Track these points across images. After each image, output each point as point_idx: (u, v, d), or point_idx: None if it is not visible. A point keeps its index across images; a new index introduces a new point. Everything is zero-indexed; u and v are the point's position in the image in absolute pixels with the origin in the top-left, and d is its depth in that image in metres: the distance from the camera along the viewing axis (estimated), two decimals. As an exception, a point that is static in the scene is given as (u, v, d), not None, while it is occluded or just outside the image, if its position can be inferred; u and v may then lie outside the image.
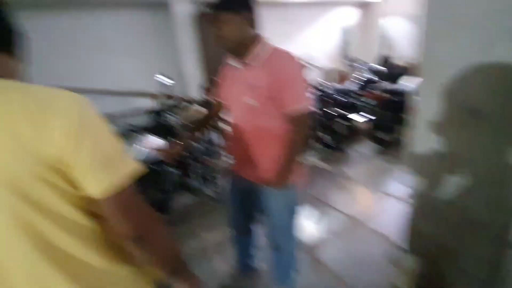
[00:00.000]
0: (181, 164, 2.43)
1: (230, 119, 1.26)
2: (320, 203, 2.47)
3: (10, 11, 0.58)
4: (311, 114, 1.13)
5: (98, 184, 0.53)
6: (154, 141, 2.10)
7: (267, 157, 1.19)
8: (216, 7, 1.06)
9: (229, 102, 1.25)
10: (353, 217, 2.25)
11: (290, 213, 1.28)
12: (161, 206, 2.11)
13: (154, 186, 2.13)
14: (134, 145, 1.99)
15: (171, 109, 2.27)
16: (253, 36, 1.11)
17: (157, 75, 2.29)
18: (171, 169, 2.22)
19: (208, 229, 2.26)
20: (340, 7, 5.72)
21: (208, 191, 2.53)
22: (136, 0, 3.38)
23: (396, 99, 3.33)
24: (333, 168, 3.18)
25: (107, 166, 0.54)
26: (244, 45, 1.10)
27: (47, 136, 0.49)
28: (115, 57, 3.59)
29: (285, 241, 1.35)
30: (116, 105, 3.45)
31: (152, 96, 3.65)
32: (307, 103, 1.11)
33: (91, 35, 3.39)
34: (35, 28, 3.25)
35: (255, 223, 1.52)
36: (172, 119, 2.30)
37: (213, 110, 1.39)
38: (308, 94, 1.12)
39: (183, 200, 2.70)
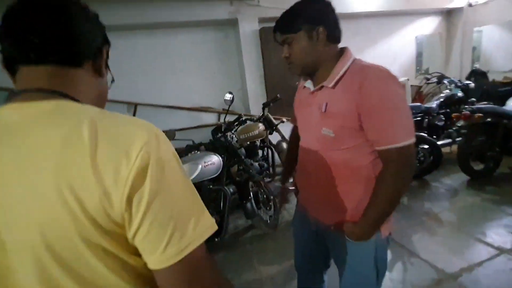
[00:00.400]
0: (238, 184, 2.33)
1: (302, 144, 1.07)
2: (399, 248, 2.04)
3: (94, 18, 0.51)
4: (414, 151, 0.86)
5: (160, 251, 0.40)
6: (212, 158, 2.04)
7: (345, 198, 0.94)
8: (278, 29, 0.92)
9: (301, 127, 1.08)
10: (441, 270, 1.79)
11: (371, 270, 0.96)
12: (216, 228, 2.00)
13: (210, 205, 2.05)
14: (193, 162, 1.96)
15: (233, 126, 2.20)
16: (332, 53, 0.92)
17: (227, 94, 2.29)
18: (228, 189, 2.12)
19: (263, 259, 2.07)
20: (417, 16, 5.14)
21: (263, 215, 2.36)
22: (207, 20, 3.54)
23: (493, 121, 2.71)
24: (413, 203, 2.69)
25: (177, 227, 0.41)
26: (320, 64, 0.92)
27: (105, 184, 0.38)
28: (186, 74, 3.78)
29: None
30: (184, 120, 3.61)
31: (217, 112, 3.81)
32: (409, 137, 0.82)
33: (165, 53, 3.65)
34: (113, 46, 3.75)
35: (325, 271, 1.24)
36: (232, 136, 2.23)
37: (292, 133, 1.28)
38: (411, 125, 0.84)
39: (235, 222, 2.59)
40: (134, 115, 3.48)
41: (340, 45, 0.95)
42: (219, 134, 2.20)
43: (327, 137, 0.91)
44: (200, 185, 2.00)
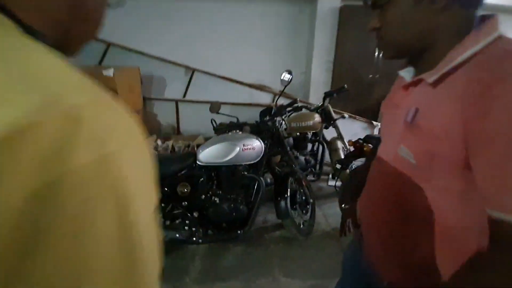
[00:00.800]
0: (276, 176, 2.06)
1: (378, 153, 0.73)
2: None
3: None
4: None
5: None
6: (253, 142, 1.78)
7: (415, 256, 0.61)
8: None
9: (382, 134, 0.76)
10: None
11: None
12: (242, 219, 1.80)
13: (239, 193, 1.83)
14: (231, 142, 1.73)
15: (284, 111, 1.89)
16: (457, 23, 0.54)
17: (285, 73, 1.95)
18: (264, 179, 1.87)
19: (285, 268, 1.81)
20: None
21: (297, 218, 2.06)
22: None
23: None
24: None
25: None
26: (430, 43, 0.57)
27: None
28: (248, 47, 3.54)
29: None
30: (237, 95, 3.42)
31: (272, 93, 3.52)
32: None
33: (231, 22, 3.43)
34: (178, 8, 3.80)
35: None
36: (282, 123, 1.93)
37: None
38: None
39: (265, 216, 2.35)
40: (190, 81, 3.41)
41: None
42: (268, 117, 1.92)
43: (404, 161, 0.58)
44: (233, 169, 1.78)
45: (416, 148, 0.55)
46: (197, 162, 1.72)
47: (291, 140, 2.29)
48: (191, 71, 3.38)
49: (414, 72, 0.63)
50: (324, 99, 2.60)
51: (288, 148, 1.93)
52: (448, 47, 0.53)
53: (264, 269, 1.79)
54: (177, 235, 1.66)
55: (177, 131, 3.34)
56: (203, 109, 3.30)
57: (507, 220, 0.43)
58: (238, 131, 1.90)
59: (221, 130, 1.96)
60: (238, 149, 1.72)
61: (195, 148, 2.41)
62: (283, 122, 1.94)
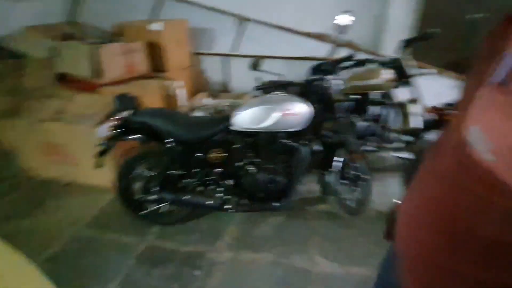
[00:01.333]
0: (325, 145, 1.76)
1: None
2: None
3: None
4: None
5: None
6: (297, 107, 1.50)
7: None
8: None
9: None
10: None
11: None
12: (281, 191, 1.63)
13: (278, 163, 1.63)
14: (270, 106, 1.48)
15: (338, 67, 1.49)
16: None
17: (340, 15, 1.49)
18: (309, 148, 1.61)
19: (324, 248, 1.63)
20: None
21: (345, 193, 1.80)
22: None
23: None
24: None
25: None
26: None
27: None
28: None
29: None
30: (295, 49, 3.00)
31: (325, 39, 2.94)
32: None
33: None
34: None
35: None
36: (337, 82, 1.56)
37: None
38: None
39: (309, 185, 2.13)
40: (241, 32, 3.11)
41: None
42: (316, 76, 1.57)
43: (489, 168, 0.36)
44: (272, 136, 1.56)
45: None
46: (232, 126, 1.55)
47: (346, 103, 1.91)
48: (244, 21, 3.05)
49: None
50: (400, 49, 2.04)
51: (340, 114, 1.58)
52: None
53: (300, 246, 1.64)
54: (210, 202, 1.61)
55: (226, 88, 3.20)
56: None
57: None
58: (280, 92, 1.62)
59: (262, 89, 1.71)
60: (277, 114, 1.47)
61: (238, 108, 2.25)
62: (339, 81, 1.56)
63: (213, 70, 3.22)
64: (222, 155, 1.57)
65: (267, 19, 2.96)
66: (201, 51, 3.13)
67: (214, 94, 3.03)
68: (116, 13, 3.10)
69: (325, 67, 1.50)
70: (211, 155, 1.56)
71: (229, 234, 1.75)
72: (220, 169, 1.61)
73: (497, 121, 0.36)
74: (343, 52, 2.91)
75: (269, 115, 1.48)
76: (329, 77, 1.51)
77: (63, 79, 2.46)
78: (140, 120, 1.52)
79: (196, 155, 1.57)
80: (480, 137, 0.37)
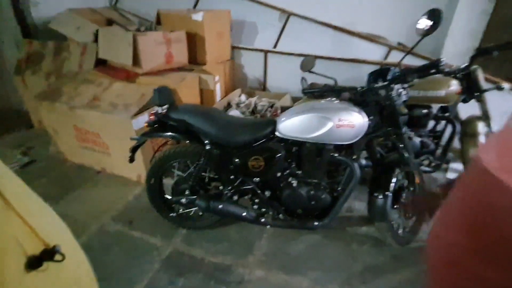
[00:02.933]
0: (377, 163, 1.55)
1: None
2: None
3: None
4: None
5: None
6: (354, 117, 1.30)
7: None
8: None
9: None
10: None
11: None
12: (323, 209, 1.46)
13: (323, 178, 1.45)
14: (323, 114, 1.30)
15: (411, 76, 1.25)
16: None
17: (424, 17, 1.21)
18: (359, 164, 1.41)
19: (367, 278, 1.43)
20: None
21: (397, 221, 1.58)
22: None
23: None
24: None
25: None
26: None
27: None
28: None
29: None
30: (336, 47, 2.77)
31: (387, 45, 2.66)
32: None
33: None
34: None
35: None
36: (401, 92, 1.34)
37: None
38: None
39: (351, 203, 1.93)
40: (284, 27, 2.93)
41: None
42: (380, 83, 1.35)
43: None
44: (321, 148, 1.38)
45: None
46: (276, 133, 1.39)
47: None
48: (287, 16, 2.86)
49: None
50: (472, 58, 1.76)
51: (403, 131, 1.36)
52: None
53: (339, 273, 1.46)
54: (244, 214, 1.46)
55: (263, 86, 3.04)
56: (294, 63, 2.86)
57: None
58: (334, 98, 1.42)
59: (312, 93, 1.53)
60: (331, 124, 1.28)
61: (279, 111, 2.07)
62: (403, 92, 1.34)
63: (251, 66, 3.06)
64: (262, 163, 1.41)
65: (312, 15, 2.75)
66: (242, 45, 2.98)
67: (250, 92, 2.88)
68: (157, 1, 3.04)
69: (396, 74, 1.28)
70: (250, 162, 1.41)
71: (260, 248, 1.60)
72: (258, 179, 1.46)
73: None
74: (396, 57, 2.65)
75: (321, 125, 1.30)
76: (397, 86, 1.29)
77: (103, 65, 2.44)
78: (179, 118, 1.40)
79: (234, 160, 1.43)
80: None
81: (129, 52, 2.14)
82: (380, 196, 1.44)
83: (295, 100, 2.71)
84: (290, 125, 1.36)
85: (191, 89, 2.32)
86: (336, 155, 1.40)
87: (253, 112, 2.43)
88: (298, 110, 1.36)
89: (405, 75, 1.23)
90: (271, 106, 2.43)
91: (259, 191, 1.47)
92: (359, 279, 1.43)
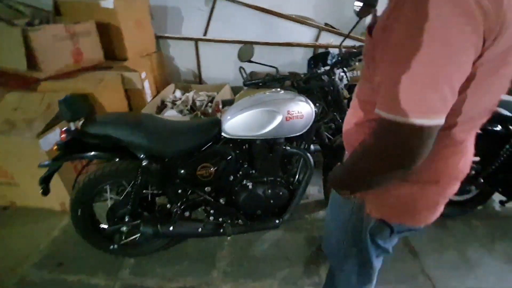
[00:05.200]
0: (326, 148, 1.54)
1: None
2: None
3: None
4: (412, 138, 0.48)
5: None
6: (302, 107, 1.23)
7: (348, 137, 0.73)
8: None
9: None
10: None
11: (342, 231, 0.83)
12: (283, 205, 1.39)
13: (278, 172, 1.38)
14: (271, 108, 1.19)
15: (353, 60, 1.21)
16: None
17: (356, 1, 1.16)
18: (311, 153, 1.37)
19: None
20: None
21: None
22: None
23: None
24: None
25: None
26: None
27: None
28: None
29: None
30: (271, 32, 2.68)
31: (317, 27, 2.66)
32: (416, 112, 0.45)
33: None
34: None
35: None
36: (342, 76, 1.31)
37: None
38: (431, 93, 0.44)
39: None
40: (211, 12, 2.70)
41: None
42: (322, 68, 1.30)
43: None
44: (272, 144, 1.29)
45: (369, 54, 0.58)
46: (222, 134, 1.25)
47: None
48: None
49: None
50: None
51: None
52: None
53: (307, 266, 1.44)
54: (200, 229, 1.31)
55: (198, 78, 2.80)
56: (228, 51, 2.69)
57: (378, 114, 0.50)
58: (278, 89, 1.33)
59: (254, 84, 1.41)
60: (280, 117, 1.19)
61: (220, 106, 1.91)
62: (345, 76, 1.32)
63: (182, 57, 2.77)
64: (211, 171, 1.26)
65: (241, -1, 2.59)
66: (168, 35, 2.66)
67: (185, 86, 2.62)
68: None
69: (337, 59, 1.24)
70: (199, 172, 1.25)
71: (223, 259, 1.48)
72: (210, 187, 1.31)
73: None
74: (326, 38, 2.70)
75: (270, 119, 1.20)
76: (339, 70, 1.26)
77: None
78: (100, 133, 1.13)
79: (179, 172, 1.24)
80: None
81: (21, 53, 1.68)
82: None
83: (235, 90, 2.56)
84: (237, 124, 1.22)
85: (114, 91, 1.97)
86: (288, 148, 1.33)
87: (192, 109, 2.21)
88: (243, 106, 1.23)
89: (347, 59, 1.20)
90: (211, 101, 2.25)
91: (212, 200, 1.32)
92: (327, 267, 1.44)
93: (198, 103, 2.24)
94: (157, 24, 2.64)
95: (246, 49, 1.38)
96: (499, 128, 1.46)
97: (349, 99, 1.40)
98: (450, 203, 1.57)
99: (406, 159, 0.51)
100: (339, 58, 1.23)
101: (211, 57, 2.72)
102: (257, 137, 1.25)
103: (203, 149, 1.25)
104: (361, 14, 1.14)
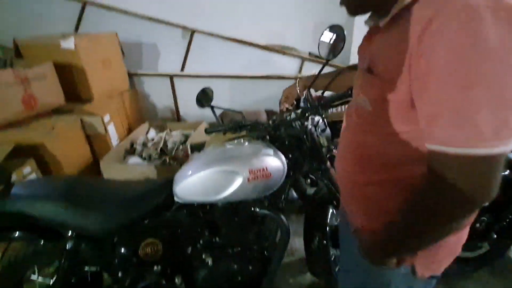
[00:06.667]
0: (307, 201, 1.30)
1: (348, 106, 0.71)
2: None
3: None
4: (496, 171, 0.42)
5: None
6: (270, 161, 1.01)
7: (374, 203, 0.63)
8: None
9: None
10: None
11: None
12: (255, 279, 1.13)
13: (248, 238, 1.12)
14: (230, 167, 0.97)
15: (333, 103, 1.00)
16: None
17: (325, 31, 0.97)
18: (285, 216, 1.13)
19: None
20: None
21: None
22: None
23: None
24: None
25: None
26: None
27: None
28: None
29: None
30: (252, 65, 2.54)
31: (300, 56, 2.51)
32: (495, 140, 0.40)
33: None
34: None
35: None
36: (317, 122, 1.10)
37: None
38: (502, 120, 0.40)
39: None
40: (189, 47, 2.58)
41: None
42: (293, 114, 1.09)
43: (363, 110, 0.58)
44: (236, 207, 1.05)
45: (371, 95, 0.56)
46: (175, 198, 1.01)
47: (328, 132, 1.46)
48: (190, 33, 2.52)
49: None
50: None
51: (329, 165, 1.14)
52: None
53: None
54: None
55: (176, 115, 2.63)
56: (206, 85, 2.53)
57: (438, 149, 0.44)
58: (242, 140, 1.11)
59: (216, 132, 1.20)
60: (240, 179, 0.97)
61: (188, 151, 1.69)
62: (322, 121, 1.11)
63: (158, 94, 2.62)
64: (159, 247, 1.01)
65: (218, 31, 2.47)
66: (142, 72, 2.52)
67: (162, 125, 2.43)
68: (25, 25, 2.37)
69: (306, 105, 1.03)
70: (143, 251, 1.00)
71: None
72: (159, 266, 1.05)
73: None
74: (310, 68, 2.57)
75: (229, 182, 0.97)
76: (317, 117, 1.05)
77: None
78: (11, 210, 0.90)
79: (117, 252, 0.99)
80: (363, 98, 0.59)
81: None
82: (315, 238, 1.19)
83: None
84: (190, 187, 0.99)
85: (70, 138, 1.77)
86: (257, 209, 1.09)
87: (163, 152, 1.99)
88: (196, 166, 1.01)
89: (320, 107, 0.99)
90: (183, 142, 2.04)
91: (164, 282, 1.06)
92: None
93: (170, 145, 2.03)
94: (131, 61, 2.51)
95: (204, 94, 1.19)
96: (507, 172, 1.24)
97: (330, 147, 1.18)
98: (462, 260, 1.27)
99: (486, 196, 0.44)
100: (308, 105, 1.02)
101: (188, 93, 2.53)
102: (216, 202, 1.01)
103: (148, 221, 1.01)
104: (327, 49, 0.95)
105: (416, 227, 0.52)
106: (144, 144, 2.10)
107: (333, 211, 1.26)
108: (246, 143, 1.08)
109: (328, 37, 0.97)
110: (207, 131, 1.22)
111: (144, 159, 1.91)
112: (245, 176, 0.97)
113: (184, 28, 2.50)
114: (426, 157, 0.48)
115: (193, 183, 0.99)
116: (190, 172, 1.00)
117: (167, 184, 1.04)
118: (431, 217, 0.49)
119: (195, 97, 1.22)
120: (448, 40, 0.40)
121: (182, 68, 2.60)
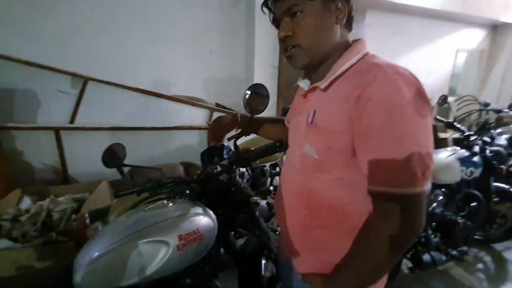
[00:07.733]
0: (238, 256, 1.22)
1: (286, 156, 0.81)
2: None
3: None
4: (422, 205, 0.54)
5: None
6: (199, 222, 0.91)
7: (323, 246, 0.69)
8: None
9: (289, 140, 0.82)
10: None
11: None
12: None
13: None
14: (155, 237, 0.82)
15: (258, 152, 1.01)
16: (343, 42, 0.67)
17: (247, 91, 0.99)
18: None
19: None
20: (463, 26, 4.28)
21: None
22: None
23: None
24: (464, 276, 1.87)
25: None
26: (326, 54, 0.66)
27: None
28: (169, 48, 2.63)
29: None
30: (157, 116, 2.42)
31: (208, 107, 2.54)
32: (419, 183, 0.53)
33: (141, 15, 2.45)
34: None
35: None
36: (243, 173, 1.11)
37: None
38: (428, 165, 0.54)
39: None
40: (81, 94, 2.25)
41: (365, 42, 0.68)
42: (218, 168, 1.06)
43: (309, 158, 0.67)
44: (163, 283, 0.88)
45: (317, 145, 0.64)
46: (76, 292, 0.76)
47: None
48: (83, 81, 2.23)
49: (309, 83, 0.74)
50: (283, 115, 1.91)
51: (258, 215, 1.12)
52: (333, 62, 0.66)
53: None
54: None
55: (63, 176, 2.14)
56: (105, 138, 2.24)
57: (383, 190, 0.55)
58: (165, 201, 0.98)
59: (126, 195, 1.02)
60: (170, 249, 0.83)
61: (87, 220, 1.37)
62: (246, 172, 1.12)
63: (38, 151, 2.10)
64: None
65: (118, 80, 2.29)
66: (15, 124, 2.00)
67: (42, 190, 1.91)
68: None
69: (232, 159, 1.01)
70: None
71: None
72: None
73: None
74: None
75: (154, 255, 0.82)
76: (244, 170, 1.05)
77: None
78: None
79: None
80: (309, 148, 0.68)
81: None
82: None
83: (116, 187, 2.04)
84: (100, 272, 0.78)
85: None
86: (188, 280, 0.94)
87: (46, 226, 1.53)
88: (108, 242, 0.81)
89: (247, 159, 1.00)
90: (76, 211, 1.64)
91: None
92: None
93: (56, 216, 1.59)
94: (2, 111, 1.98)
95: (111, 152, 1.02)
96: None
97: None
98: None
99: (422, 225, 0.55)
100: (236, 159, 1.02)
101: (79, 148, 2.17)
102: (137, 283, 0.82)
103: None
104: (247, 103, 0.99)
105: (378, 267, 0.58)
106: (15, 219, 1.57)
107: (265, 262, 1.23)
108: (170, 204, 0.96)
109: (251, 95, 1.00)
110: (117, 195, 1.03)
111: (16, 239, 1.41)
112: (174, 244, 0.84)
113: (74, 74, 2.20)
114: (368, 198, 0.58)
115: (105, 266, 0.78)
116: (98, 253, 0.79)
117: (63, 275, 0.78)
118: (389, 255, 0.56)
119: (101, 155, 1.02)
120: (386, 103, 0.52)
121: (72, 120, 2.22)
